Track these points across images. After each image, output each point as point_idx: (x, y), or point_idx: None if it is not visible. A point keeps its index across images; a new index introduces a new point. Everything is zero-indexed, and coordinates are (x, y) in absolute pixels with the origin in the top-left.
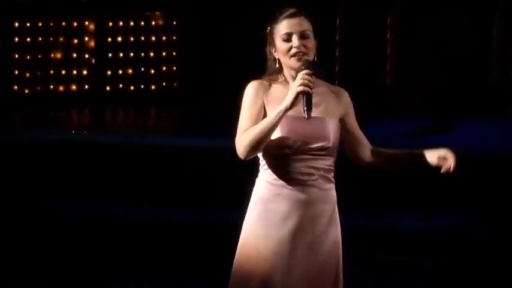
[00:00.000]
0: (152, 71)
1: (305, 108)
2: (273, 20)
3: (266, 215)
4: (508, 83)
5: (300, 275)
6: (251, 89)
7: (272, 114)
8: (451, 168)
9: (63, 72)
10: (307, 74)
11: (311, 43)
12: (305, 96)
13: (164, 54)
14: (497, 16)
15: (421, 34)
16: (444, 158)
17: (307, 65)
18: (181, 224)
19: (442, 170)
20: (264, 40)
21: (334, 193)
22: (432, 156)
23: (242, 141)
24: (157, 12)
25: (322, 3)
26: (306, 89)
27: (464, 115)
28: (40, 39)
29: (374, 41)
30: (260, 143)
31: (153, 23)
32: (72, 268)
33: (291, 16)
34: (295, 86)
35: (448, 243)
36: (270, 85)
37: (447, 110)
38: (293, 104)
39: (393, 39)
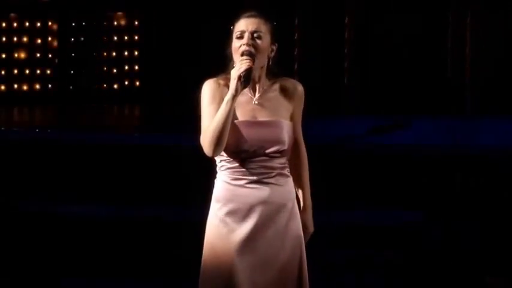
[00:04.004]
0: (115, 70)
1: (242, 80)
2: (234, 20)
3: (227, 214)
4: (463, 81)
5: (265, 271)
6: (207, 89)
7: (222, 104)
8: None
9: (27, 71)
10: (245, 59)
11: (263, 44)
12: (245, 73)
13: (126, 53)
14: (451, 17)
15: (379, 33)
16: (305, 230)
17: (248, 53)
18: (143, 221)
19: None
20: (228, 40)
21: (292, 188)
22: (303, 219)
23: (205, 139)
24: (120, 13)
25: (281, 2)
26: (245, 68)
27: (421, 113)
28: (4, 39)
29: (332, 40)
30: (220, 136)
31: (115, 23)
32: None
33: (248, 16)
34: (235, 71)
35: (403, 239)
36: (226, 83)
37: (404, 108)
38: (237, 89)
39: (351, 38)
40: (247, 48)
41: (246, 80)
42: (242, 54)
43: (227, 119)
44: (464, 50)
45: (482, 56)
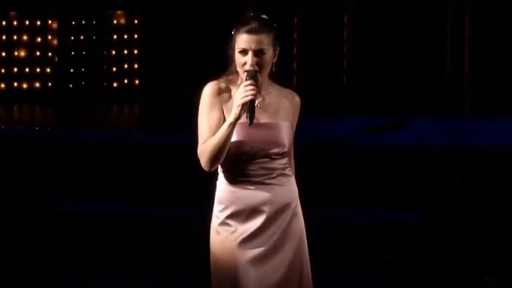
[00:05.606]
0: (114, 69)
1: (248, 115)
2: (237, 26)
3: (230, 216)
4: (462, 80)
5: (269, 270)
6: (207, 93)
7: (223, 126)
8: None
9: (27, 70)
10: (250, 85)
11: (267, 57)
12: (248, 103)
13: (126, 52)
14: (450, 16)
15: (378, 33)
16: None
17: (252, 74)
18: (143, 221)
19: None
20: (229, 40)
21: (294, 187)
22: None
23: (203, 155)
24: (119, 11)
25: (280, 2)
26: (249, 99)
27: (420, 113)
28: (4, 37)
29: (331, 40)
30: (219, 155)
31: (115, 21)
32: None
33: (249, 32)
34: (238, 99)
35: (403, 238)
36: (227, 87)
37: (404, 108)
38: (240, 115)
39: (350, 37)
40: (251, 68)
41: (250, 110)
42: (247, 72)
43: (226, 141)
44: (463, 50)
45: (481, 56)
